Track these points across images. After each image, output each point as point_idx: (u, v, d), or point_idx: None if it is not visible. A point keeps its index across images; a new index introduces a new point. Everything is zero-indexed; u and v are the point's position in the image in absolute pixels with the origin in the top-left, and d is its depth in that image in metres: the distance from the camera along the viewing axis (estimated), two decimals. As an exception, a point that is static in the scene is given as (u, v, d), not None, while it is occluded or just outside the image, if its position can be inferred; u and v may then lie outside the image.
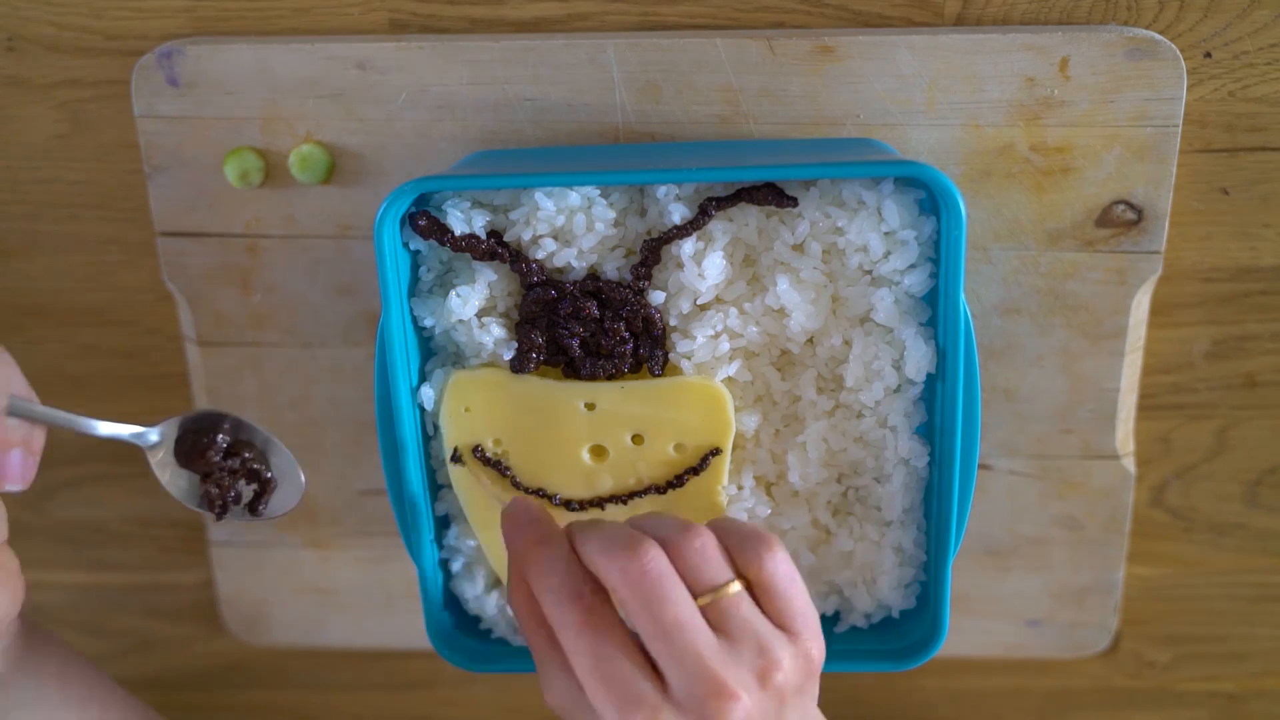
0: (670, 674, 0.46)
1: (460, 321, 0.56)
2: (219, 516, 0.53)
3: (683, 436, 0.56)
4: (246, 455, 0.54)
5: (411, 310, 0.56)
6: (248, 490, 0.54)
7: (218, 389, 0.66)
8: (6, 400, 0.47)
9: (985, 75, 0.57)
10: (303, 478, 0.54)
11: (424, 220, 0.54)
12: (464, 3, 0.59)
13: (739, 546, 0.49)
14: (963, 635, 0.70)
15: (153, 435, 0.53)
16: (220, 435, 0.53)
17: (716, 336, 0.56)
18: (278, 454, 0.54)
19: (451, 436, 0.57)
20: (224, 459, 0.53)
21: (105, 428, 0.51)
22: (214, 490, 0.53)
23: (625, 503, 0.57)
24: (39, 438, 0.49)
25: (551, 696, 0.49)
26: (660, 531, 0.49)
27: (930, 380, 0.56)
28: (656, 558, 0.47)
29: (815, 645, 0.49)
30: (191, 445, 0.53)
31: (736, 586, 0.48)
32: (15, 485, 0.48)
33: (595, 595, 0.48)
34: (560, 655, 0.48)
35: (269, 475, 0.54)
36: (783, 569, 0.48)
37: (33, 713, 0.55)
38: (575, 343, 0.55)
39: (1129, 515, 0.67)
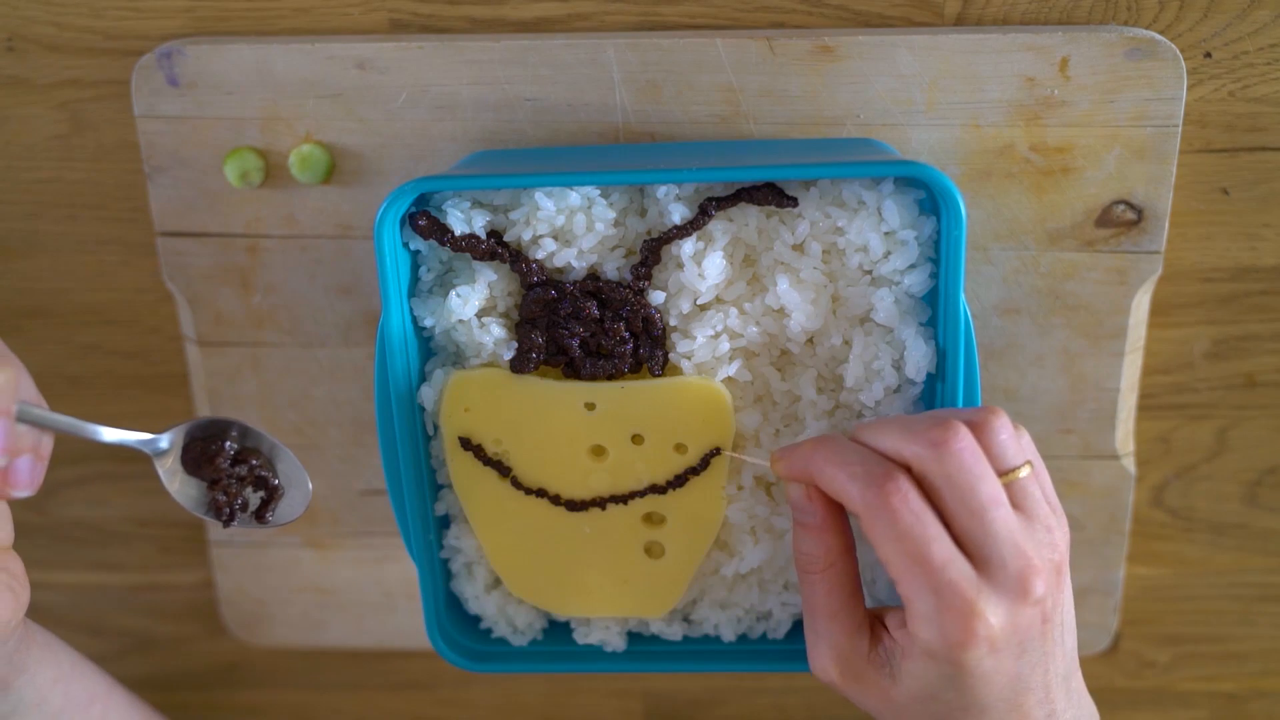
0: (987, 551, 0.47)
1: (460, 321, 0.56)
2: (226, 524, 0.53)
3: (683, 436, 0.56)
4: (254, 462, 0.53)
5: (411, 310, 0.56)
6: (255, 497, 0.53)
7: (218, 389, 0.66)
8: (16, 406, 0.47)
9: (985, 75, 0.57)
10: (310, 484, 0.54)
11: (424, 220, 0.54)
12: (464, 3, 0.59)
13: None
14: (963, 635, 0.69)
15: (162, 442, 0.52)
16: (228, 442, 0.53)
17: (716, 336, 0.56)
18: (285, 460, 0.54)
19: (451, 437, 0.57)
20: (231, 466, 0.53)
21: (114, 434, 0.50)
22: (221, 498, 0.53)
23: (625, 503, 0.57)
24: (47, 444, 0.48)
25: (822, 655, 0.51)
26: (958, 416, 0.49)
27: (930, 380, 0.56)
28: (969, 436, 0.47)
29: (1066, 524, 0.50)
30: (200, 452, 0.53)
31: (1028, 469, 0.49)
32: (24, 491, 0.47)
33: (906, 479, 0.48)
34: (843, 594, 0.50)
35: (276, 482, 0.54)
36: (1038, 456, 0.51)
37: (34, 717, 0.55)
38: (575, 343, 0.55)
39: (1129, 515, 0.67)
